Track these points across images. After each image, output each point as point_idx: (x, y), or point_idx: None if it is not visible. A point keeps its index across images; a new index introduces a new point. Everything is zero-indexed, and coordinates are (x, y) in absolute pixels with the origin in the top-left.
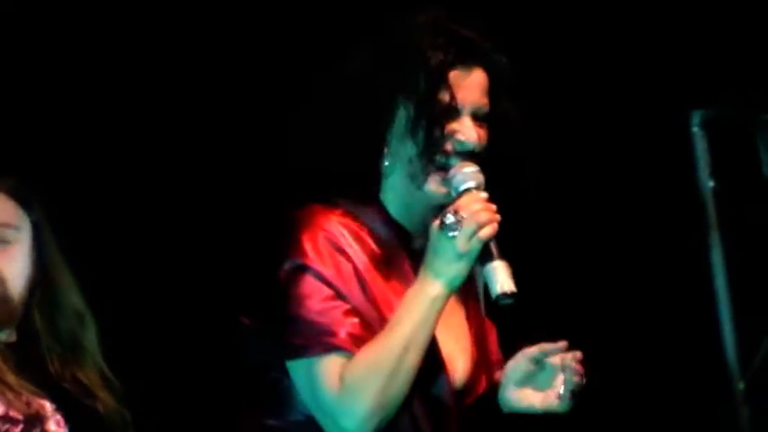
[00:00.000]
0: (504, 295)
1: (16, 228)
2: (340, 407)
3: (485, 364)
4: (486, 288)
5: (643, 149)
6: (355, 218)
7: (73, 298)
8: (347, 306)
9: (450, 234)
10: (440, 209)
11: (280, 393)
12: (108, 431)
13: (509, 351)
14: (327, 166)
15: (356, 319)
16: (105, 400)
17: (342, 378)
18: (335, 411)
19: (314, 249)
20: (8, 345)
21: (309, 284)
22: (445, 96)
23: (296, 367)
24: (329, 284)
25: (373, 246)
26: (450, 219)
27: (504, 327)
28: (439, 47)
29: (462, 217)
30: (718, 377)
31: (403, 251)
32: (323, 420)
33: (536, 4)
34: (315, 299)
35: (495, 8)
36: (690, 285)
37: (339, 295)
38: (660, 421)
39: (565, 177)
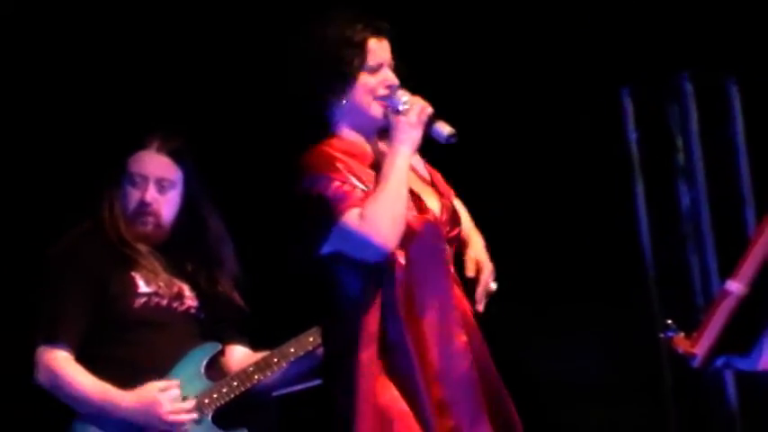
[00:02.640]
0: (451, 135)
1: (171, 180)
2: (367, 232)
3: (448, 202)
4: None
5: (589, 114)
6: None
7: (215, 224)
8: (348, 184)
9: (406, 116)
10: (380, 129)
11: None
12: (224, 303)
13: None
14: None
15: (359, 190)
16: (230, 292)
17: (361, 215)
18: (365, 237)
19: (317, 164)
20: (159, 251)
21: (322, 183)
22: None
23: (336, 235)
24: (333, 178)
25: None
26: (404, 107)
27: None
28: (358, 29)
29: (412, 104)
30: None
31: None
32: (359, 252)
33: None
34: (328, 189)
35: None
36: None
37: (342, 181)
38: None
39: (520, 135)
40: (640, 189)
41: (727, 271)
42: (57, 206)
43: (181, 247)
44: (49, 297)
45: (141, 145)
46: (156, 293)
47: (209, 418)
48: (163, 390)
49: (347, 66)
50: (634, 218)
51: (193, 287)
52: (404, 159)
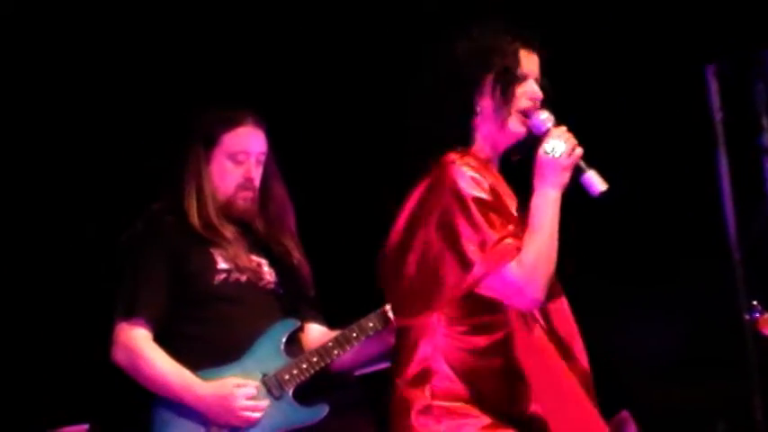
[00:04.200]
0: (603, 192)
1: (265, 153)
2: (528, 279)
3: None
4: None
5: (675, 92)
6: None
7: (279, 194)
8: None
9: (555, 155)
10: (517, 144)
11: None
12: (299, 278)
13: None
14: (434, 127)
15: (510, 225)
16: (297, 257)
17: (521, 263)
18: (525, 284)
19: (465, 181)
20: (239, 228)
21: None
22: (518, 68)
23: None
24: (488, 203)
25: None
26: (555, 146)
27: None
28: (509, 38)
29: (561, 137)
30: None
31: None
32: (513, 298)
33: None
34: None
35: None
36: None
37: (492, 208)
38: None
39: (608, 113)
40: (725, 169)
41: None
42: (118, 193)
43: (258, 220)
44: (129, 276)
45: (235, 122)
46: (235, 269)
47: (290, 393)
48: (239, 386)
49: (503, 66)
50: (719, 198)
51: (272, 263)
52: (557, 205)
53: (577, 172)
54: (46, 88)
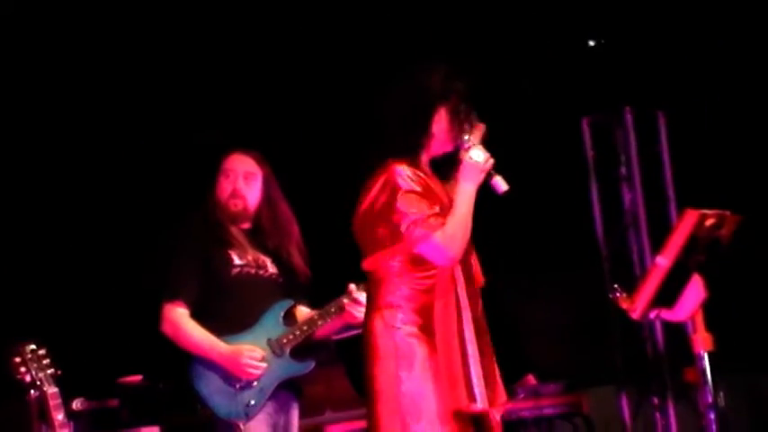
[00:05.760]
0: (506, 192)
1: (253, 174)
2: (448, 245)
3: None
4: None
5: (559, 137)
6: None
7: (283, 209)
8: (429, 202)
9: (478, 161)
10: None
11: None
12: (295, 272)
13: None
14: (395, 139)
15: (436, 207)
16: (298, 262)
17: (443, 234)
18: (446, 249)
19: (402, 178)
20: (245, 230)
21: (408, 200)
22: (463, 102)
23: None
24: (417, 193)
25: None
26: (477, 155)
27: None
28: (456, 79)
29: (481, 153)
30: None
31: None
32: (438, 258)
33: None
34: (414, 206)
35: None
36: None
37: (424, 196)
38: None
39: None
40: (595, 193)
41: (657, 249)
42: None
43: (264, 229)
44: (171, 267)
45: (229, 151)
46: (246, 264)
47: (288, 353)
48: (249, 349)
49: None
50: (591, 213)
51: (274, 260)
52: (473, 197)
53: (488, 176)
54: (46, 93)
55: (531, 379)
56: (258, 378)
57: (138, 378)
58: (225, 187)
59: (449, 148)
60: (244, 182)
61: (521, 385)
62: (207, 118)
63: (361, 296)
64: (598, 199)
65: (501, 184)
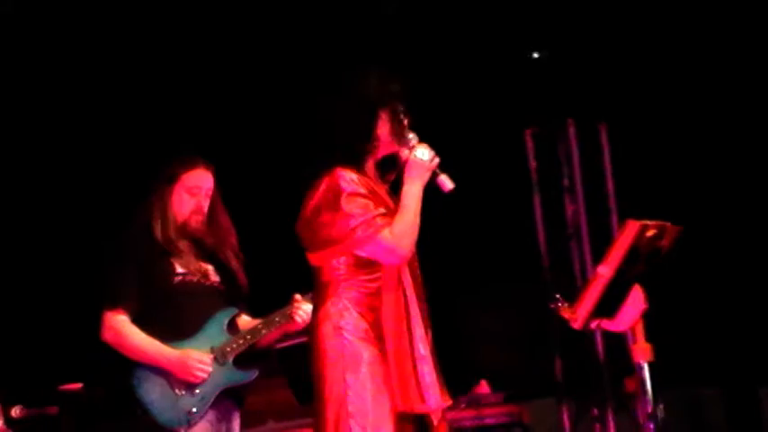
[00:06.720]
0: (452, 190)
1: (212, 190)
2: (397, 244)
3: None
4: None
5: (503, 149)
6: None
7: (224, 219)
8: (374, 203)
9: (423, 159)
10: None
11: None
12: (236, 280)
13: None
14: (341, 148)
15: (382, 209)
16: (236, 265)
17: (392, 232)
18: (395, 247)
19: (346, 182)
20: (192, 242)
21: (353, 202)
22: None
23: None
24: (362, 194)
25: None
26: (423, 153)
27: None
28: (391, 81)
29: (426, 152)
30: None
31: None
32: (387, 257)
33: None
34: (359, 208)
35: None
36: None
37: (368, 198)
38: None
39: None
40: (538, 202)
41: (598, 260)
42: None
43: (205, 238)
44: (110, 275)
45: (192, 165)
46: (189, 273)
47: (231, 361)
48: (196, 353)
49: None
50: (534, 222)
51: (216, 268)
52: (420, 195)
53: (434, 175)
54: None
55: (485, 385)
56: (200, 384)
57: (78, 385)
58: (187, 203)
59: (394, 148)
60: (205, 199)
61: (475, 391)
62: (148, 124)
63: (307, 306)
64: (540, 210)
65: (447, 182)
